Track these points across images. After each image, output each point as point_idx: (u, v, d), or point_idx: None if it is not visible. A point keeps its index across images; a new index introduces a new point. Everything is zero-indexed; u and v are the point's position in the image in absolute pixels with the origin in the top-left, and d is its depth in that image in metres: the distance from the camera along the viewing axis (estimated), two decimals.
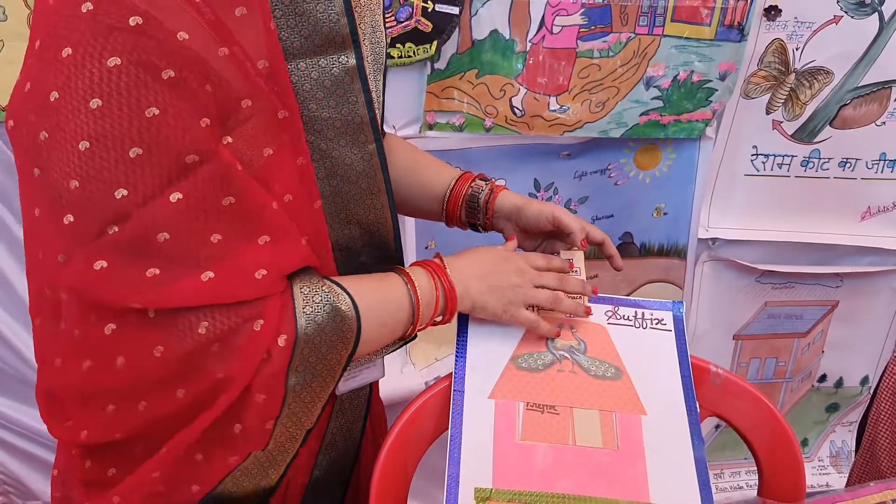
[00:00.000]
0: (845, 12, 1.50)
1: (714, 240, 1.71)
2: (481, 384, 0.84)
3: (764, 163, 1.66)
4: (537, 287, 0.86)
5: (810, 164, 1.66)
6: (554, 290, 0.87)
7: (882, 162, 1.65)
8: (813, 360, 1.86)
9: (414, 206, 1.01)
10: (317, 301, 0.70)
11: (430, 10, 1.38)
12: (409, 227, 1.58)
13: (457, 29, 1.42)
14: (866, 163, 1.65)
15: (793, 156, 1.65)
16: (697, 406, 0.85)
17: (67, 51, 0.60)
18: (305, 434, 0.76)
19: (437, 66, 1.44)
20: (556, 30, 1.45)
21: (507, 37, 1.44)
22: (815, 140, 1.63)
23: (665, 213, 1.69)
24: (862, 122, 1.61)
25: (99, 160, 0.61)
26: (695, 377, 0.87)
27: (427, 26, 1.39)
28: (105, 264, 0.63)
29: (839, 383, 1.87)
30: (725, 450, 1.88)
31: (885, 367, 1.07)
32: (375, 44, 0.85)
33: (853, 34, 1.52)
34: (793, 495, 0.87)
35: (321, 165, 0.73)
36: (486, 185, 0.98)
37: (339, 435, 0.90)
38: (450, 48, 1.43)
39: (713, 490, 0.79)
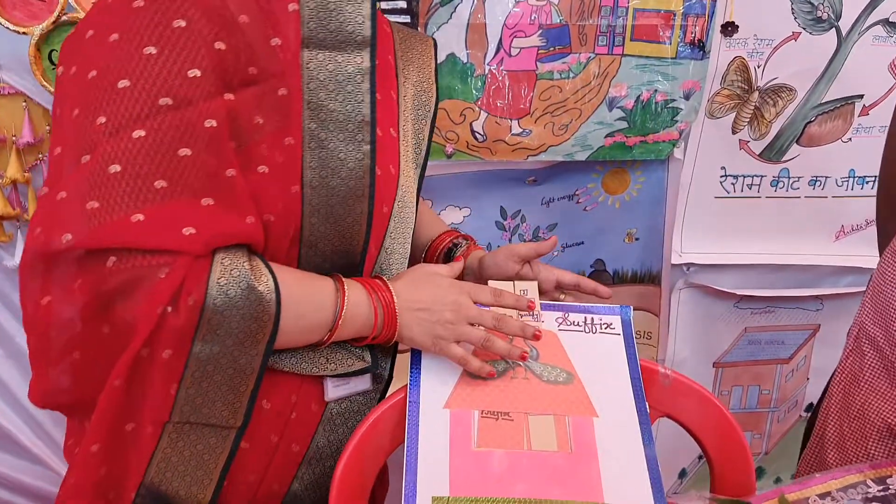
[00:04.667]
0: (803, 28, 1.50)
1: (689, 265, 1.66)
2: (436, 395, 0.85)
3: (734, 184, 1.63)
4: (472, 325, 0.84)
5: (780, 184, 1.63)
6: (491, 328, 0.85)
7: (851, 179, 1.63)
8: (798, 387, 1.80)
9: None
10: (234, 275, 0.70)
11: None
12: None
13: None
14: (836, 180, 1.63)
15: (762, 176, 1.62)
16: (647, 406, 0.86)
17: None
18: (236, 437, 0.75)
19: None
20: (514, 52, 1.42)
21: (465, 60, 1.41)
22: (783, 159, 1.61)
23: (637, 239, 1.65)
24: (828, 138, 1.60)
25: (96, 88, 0.67)
26: (644, 378, 0.89)
27: None
28: (65, 195, 0.67)
29: None
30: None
31: (839, 363, 1.07)
32: (422, 91, 0.96)
33: (813, 50, 1.52)
34: (743, 490, 0.88)
35: (316, 155, 0.76)
36: (466, 242, 1.06)
37: (328, 451, 0.87)
38: None
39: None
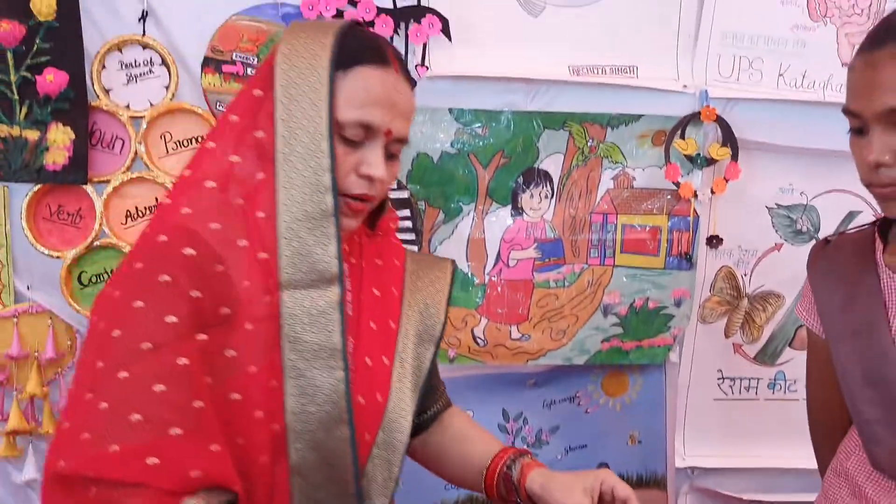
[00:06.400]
0: (785, 240, 1.59)
1: (693, 468, 1.65)
2: None
3: (731, 386, 1.66)
4: None
5: (777, 386, 1.66)
6: None
7: None
8: None
9: (462, 479, 1.06)
10: None
11: None
12: None
13: None
14: None
15: (759, 378, 1.65)
16: None
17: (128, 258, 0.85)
18: None
19: None
20: (512, 263, 1.52)
21: (466, 272, 1.50)
22: (777, 362, 1.65)
23: (639, 441, 1.65)
24: None
25: (100, 337, 0.80)
26: None
27: None
28: (67, 425, 0.77)
29: None
30: None
31: None
32: (427, 317, 1.01)
33: (796, 259, 1.59)
34: None
35: (295, 384, 0.83)
36: (518, 463, 0.99)
37: None
38: None
39: None
